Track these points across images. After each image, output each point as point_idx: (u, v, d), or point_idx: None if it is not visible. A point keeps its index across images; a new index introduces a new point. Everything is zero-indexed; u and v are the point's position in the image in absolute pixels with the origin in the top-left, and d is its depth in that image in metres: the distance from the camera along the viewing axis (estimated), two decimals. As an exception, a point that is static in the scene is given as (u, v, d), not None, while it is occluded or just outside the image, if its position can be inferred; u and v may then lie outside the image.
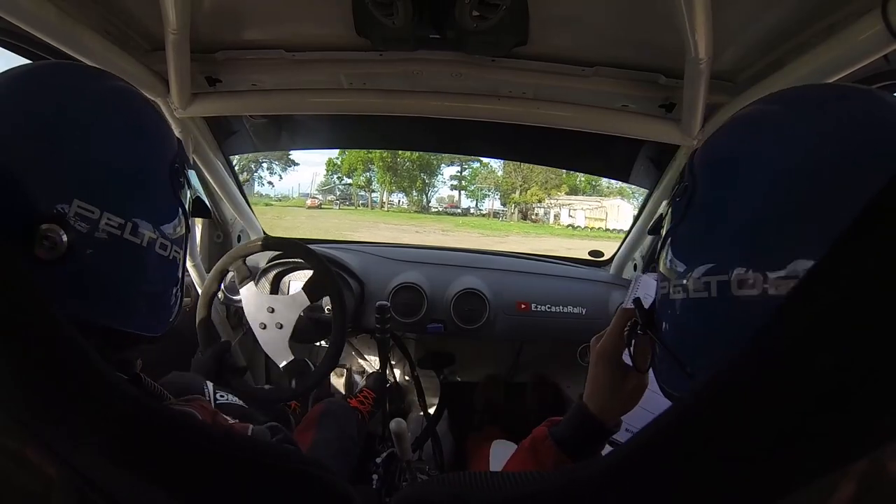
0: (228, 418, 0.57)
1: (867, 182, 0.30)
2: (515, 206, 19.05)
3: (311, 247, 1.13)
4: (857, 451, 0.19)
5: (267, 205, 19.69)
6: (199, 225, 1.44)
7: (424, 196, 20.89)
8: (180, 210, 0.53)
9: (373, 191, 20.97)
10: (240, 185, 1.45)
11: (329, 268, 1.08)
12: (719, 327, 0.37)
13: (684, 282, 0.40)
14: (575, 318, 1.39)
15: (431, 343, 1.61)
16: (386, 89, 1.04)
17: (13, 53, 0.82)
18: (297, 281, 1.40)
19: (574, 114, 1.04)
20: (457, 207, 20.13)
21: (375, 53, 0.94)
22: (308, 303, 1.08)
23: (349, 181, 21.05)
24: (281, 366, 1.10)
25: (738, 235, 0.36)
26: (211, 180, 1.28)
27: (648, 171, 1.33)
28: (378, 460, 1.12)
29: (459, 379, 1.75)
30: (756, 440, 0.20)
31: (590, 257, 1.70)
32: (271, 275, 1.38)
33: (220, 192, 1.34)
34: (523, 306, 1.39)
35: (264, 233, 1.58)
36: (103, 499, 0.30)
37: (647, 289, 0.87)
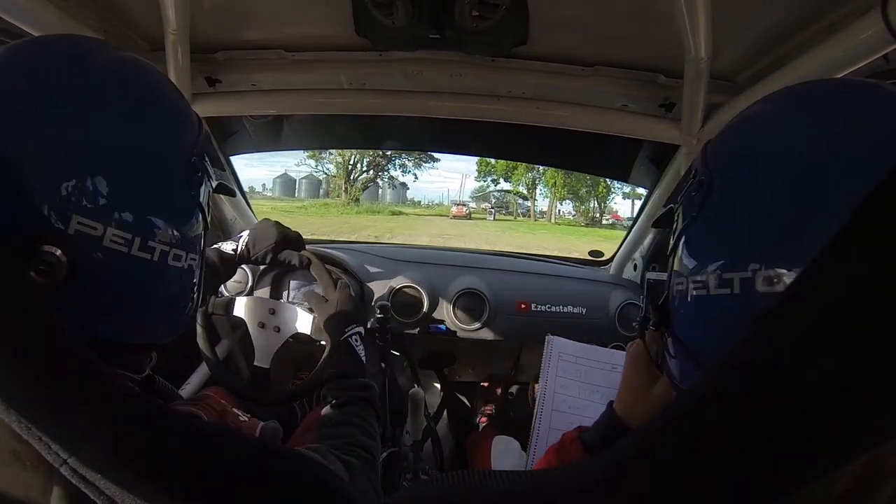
0: (239, 414, 0.54)
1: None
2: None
3: (311, 247, 1.12)
4: (858, 450, 0.19)
5: (395, 213, 15.48)
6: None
7: (602, 204, 16.26)
8: (198, 210, 0.47)
9: (534, 198, 16.23)
10: (240, 185, 1.45)
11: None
12: (741, 323, 0.37)
13: (702, 278, 0.39)
14: (575, 318, 1.39)
15: (431, 343, 1.61)
16: (386, 89, 1.04)
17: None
18: (296, 280, 1.40)
19: (574, 114, 1.04)
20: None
21: (375, 54, 0.94)
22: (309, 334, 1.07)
23: (507, 185, 16.23)
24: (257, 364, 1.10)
25: (763, 232, 0.36)
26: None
27: (648, 171, 1.33)
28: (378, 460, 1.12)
29: (460, 379, 1.75)
30: (756, 439, 0.20)
31: (590, 257, 1.70)
32: (271, 275, 1.38)
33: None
34: (523, 306, 1.39)
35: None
36: (103, 500, 0.30)
37: (561, 348, 0.92)
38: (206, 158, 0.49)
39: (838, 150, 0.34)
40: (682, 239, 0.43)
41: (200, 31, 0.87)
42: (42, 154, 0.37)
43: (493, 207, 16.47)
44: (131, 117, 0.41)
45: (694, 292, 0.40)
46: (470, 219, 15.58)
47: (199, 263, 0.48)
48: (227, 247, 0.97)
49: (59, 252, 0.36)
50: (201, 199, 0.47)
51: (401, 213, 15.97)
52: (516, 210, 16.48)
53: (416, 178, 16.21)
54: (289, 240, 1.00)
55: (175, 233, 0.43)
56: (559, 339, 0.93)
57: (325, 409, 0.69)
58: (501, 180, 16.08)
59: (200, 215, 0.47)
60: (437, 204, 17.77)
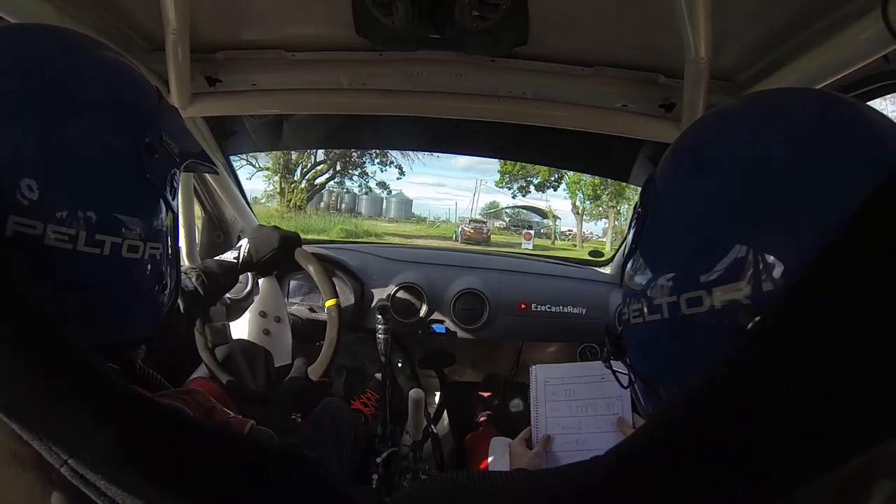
0: (230, 413, 0.53)
1: (839, 188, 0.26)
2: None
3: (310, 248, 1.12)
4: (853, 452, 0.19)
5: (348, 231, 10.25)
6: (198, 225, 1.43)
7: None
8: (156, 195, 0.43)
9: (581, 214, 11.53)
10: (240, 185, 1.45)
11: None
12: (680, 347, 0.35)
13: (638, 306, 0.38)
14: (575, 318, 1.40)
15: (431, 343, 1.61)
16: (386, 89, 1.04)
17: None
18: (296, 281, 1.40)
19: (574, 114, 1.04)
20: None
21: (375, 53, 0.94)
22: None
23: (538, 196, 11.40)
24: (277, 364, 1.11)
25: (680, 254, 0.34)
26: (211, 180, 1.28)
27: (648, 171, 1.32)
28: (378, 460, 1.12)
29: (460, 379, 1.76)
30: (753, 441, 0.20)
31: (590, 257, 1.70)
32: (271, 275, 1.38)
33: (220, 193, 1.34)
34: (523, 306, 1.39)
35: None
36: (104, 501, 0.30)
37: (546, 375, 0.94)
38: (167, 137, 0.44)
39: (784, 162, 0.31)
40: (626, 266, 0.42)
41: (200, 31, 0.87)
42: None
43: (510, 225, 12.45)
44: (62, 104, 0.38)
45: (633, 320, 0.39)
46: (489, 244, 11.26)
47: (165, 252, 0.45)
48: (229, 256, 0.98)
49: None
50: (160, 184, 0.44)
51: (368, 232, 10.85)
52: (554, 233, 12.28)
53: (402, 173, 11.13)
54: (291, 242, 1.00)
55: (128, 224, 0.40)
56: (542, 366, 0.95)
57: None
58: (532, 189, 11.32)
59: (161, 201, 0.44)
60: (443, 221, 13.06)
